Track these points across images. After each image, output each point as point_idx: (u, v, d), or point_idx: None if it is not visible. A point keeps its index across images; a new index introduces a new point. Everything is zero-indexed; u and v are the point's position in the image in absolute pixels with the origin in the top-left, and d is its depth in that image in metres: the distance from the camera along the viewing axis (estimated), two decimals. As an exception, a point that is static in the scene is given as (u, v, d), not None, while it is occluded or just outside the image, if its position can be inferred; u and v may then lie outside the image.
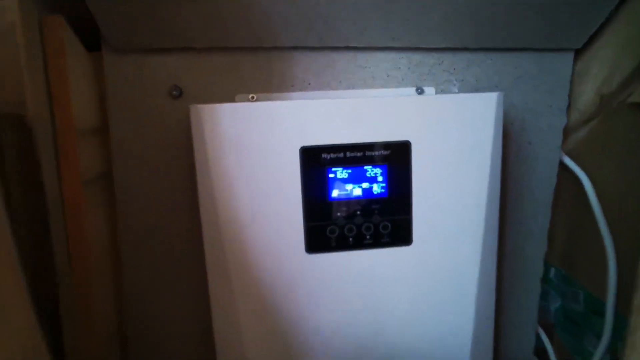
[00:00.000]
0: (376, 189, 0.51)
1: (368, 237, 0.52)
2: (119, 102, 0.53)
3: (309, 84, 0.61)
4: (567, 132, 0.68)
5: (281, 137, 0.48)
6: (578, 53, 0.65)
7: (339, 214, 0.51)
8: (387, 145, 0.50)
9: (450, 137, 0.51)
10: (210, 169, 0.48)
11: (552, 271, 0.67)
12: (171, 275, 0.62)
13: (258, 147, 0.49)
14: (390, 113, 0.49)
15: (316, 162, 0.50)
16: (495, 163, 0.53)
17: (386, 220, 0.52)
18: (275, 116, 0.47)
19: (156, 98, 0.54)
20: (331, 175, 0.50)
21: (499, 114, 0.51)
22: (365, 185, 0.51)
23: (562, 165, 0.68)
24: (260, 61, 0.56)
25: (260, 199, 0.49)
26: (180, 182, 0.59)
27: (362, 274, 0.52)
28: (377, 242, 0.52)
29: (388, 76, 0.62)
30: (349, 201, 0.51)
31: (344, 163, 0.50)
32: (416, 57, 0.62)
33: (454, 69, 0.63)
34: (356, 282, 0.51)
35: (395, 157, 0.51)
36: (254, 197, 0.49)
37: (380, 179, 0.51)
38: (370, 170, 0.51)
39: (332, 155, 0.50)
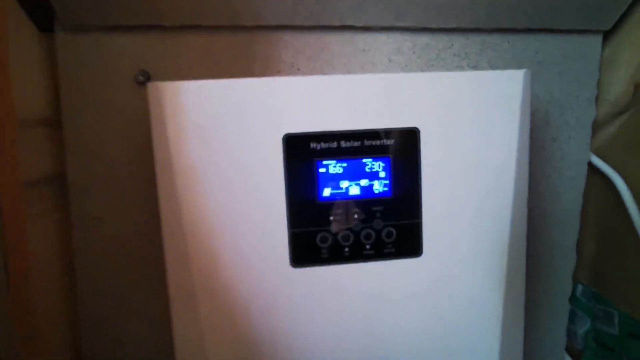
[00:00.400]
0: (378, 187, 0.42)
1: (368, 246, 0.42)
2: (74, 89, 0.48)
3: (298, 69, 0.52)
4: (595, 126, 0.59)
5: (260, 122, 0.39)
6: (607, 36, 0.57)
7: (331, 218, 0.41)
8: (390, 133, 0.41)
9: (467, 123, 0.42)
10: (172, 163, 0.39)
11: (580, 289, 0.62)
12: (134, 295, 0.52)
13: (231, 135, 0.39)
14: (394, 94, 0.40)
15: (303, 153, 0.40)
16: (523, 156, 0.43)
17: (390, 226, 0.42)
18: (253, 96, 0.38)
19: (119, 85, 0.48)
20: (322, 170, 0.41)
21: (527, 95, 0.42)
22: (364, 182, 0.41)
23: (590, 166, 0.59)
24: (241, 43, 0.48)
25: (234, 200, 0.40)
26: (146, 184, 0.50)
27: (361, 292, 0.42)
28: (379, 253, 0.42)
29: (390, 61, 0.54)
30: (344, 202, 0.41)
31: (337, 155, 0.41)
32: (422, 39, 0.54)
33: (466, 53, 0.55)
34: (353, 302, 0.42)
35: (401, 148, 0.41)
36: (226, 197, 0.40)
37: (382, 174, 0.42)
38: (370, 164, 0.41)
39: (323, 145, 0.40)
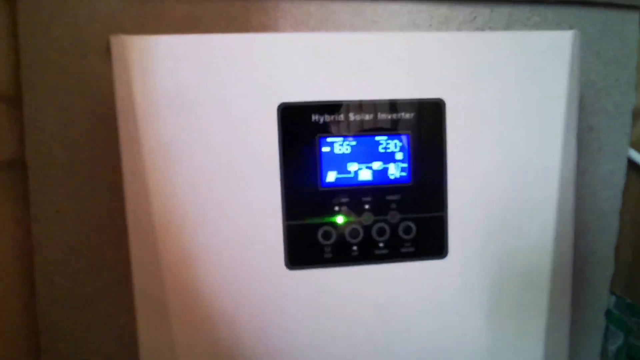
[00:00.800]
0: (394, 171, 0.34)
1: (381, 244, 0.34)
2: (36, 60, 0.41)
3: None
4: (634, 115, 0.51)
5: (249, 89, 0.32)
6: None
7: (336, 208, 0.33)
8: (410, 104, 0.33)
9: (502, 95, 0.34)
10: (139, 139, 0.31)
11: (613, 300, 0.55)
12: (102, 301, 0.44)
13: (213, 105, 0.32)
14: (415, 57, 0.33)
15: (303, 128, 0.32)
16: (569, 137, 0.35)
17: (409, 220, 0.34)
18: (240, 56, 0.31)
19: (89, 56, 0.41)
20: (325, 150, 0.33)
21: (575, 62, 0.35)
22: (376, 165, 0.34)
23: (629, 161, 0.52)
24: (233, 11, 0.42)
25: (216, 185, 0.32)
26: (119, 173, 0.42)
27: (371, 301, 0.35)
28: (395, 252, 0.34)
29: (404, 34, 0.46)
30: (352, 189, 0.33)
31: (345, 130, 0.33)
32: (441, 10, 0.47)
33: (490, 27, 0.47)
34: (362, 313, 0.35)
35: (423, 124, 0.34)
36: (205, 182, 0.32)
37: (399, 156, 0.34)
38: (385, 143, 0.34)
39: (328, 118, 0.33)
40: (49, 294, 0.44)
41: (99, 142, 0.44)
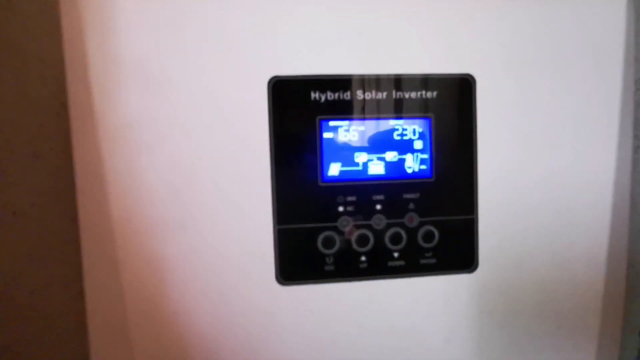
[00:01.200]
0: (412, 163, 0.27)
1: (396, 254, 0.27)
2: None
3: None
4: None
5: (234, 59, 0.25)
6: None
7: (341, 209, 0.26)
8: (433, 81, 0.27)
9: (544, 70, 0.27)
10: (95, 118, 0.24)
11: None
12: (63, 323, 0.37)
13: (189, 77, 0.26)
14: (439, 23, 0.26)
15: (300, 108, 0.26)
16: (626, 124, 0.28)
17: (430, 224, 0.27)
18: (223, 17, 0.24)
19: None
20: (327, 136, 0.26)
21: (631, 30, 0.28)
22: (391, 155, 0.27)
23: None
24: None
25: (192, 180, 0.25)
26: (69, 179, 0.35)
27: (384, 325, 0.27)
28: (413, 264, 0.27)
29: None
30: (360, 186, 0.27)
31: (352, 112, 0.26)
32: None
33: None
34: (371, 340, 0.28)
35: (448, 105, 0.27)
36: (179, 176, 0.25)
37: (418, 144, 0.27)
38: (402, 129, 0.27)
39: (331, 97, 0.26)
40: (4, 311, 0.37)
41: (61, 131, 0.37)
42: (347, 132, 0.28)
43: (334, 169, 0.28)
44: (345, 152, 0.28)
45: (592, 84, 0.29)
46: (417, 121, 0.28)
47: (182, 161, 0.26)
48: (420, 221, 0.29)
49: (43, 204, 0.38)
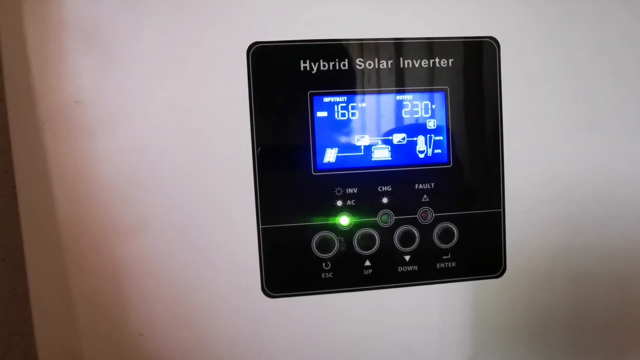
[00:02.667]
0: (424, 147, 0.22)
1: (407, 258, 0.22)
2: None
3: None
4: None
5: (208, 23, 0.20)
6: None
7: (339, 204, 0.21)
8: (448, 46, 0.22)
9: (580, 30, 0.22)
10: (35, 95, 0.19)
11: None
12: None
13: (154, 45, 0.21)
14: None
15: (286, 80, 0.21)
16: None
17: (448, 221, 0.22)
18: None
19: None
20: (321, 114, 0.21)
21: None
22: (399, 137, 0.22)
23: None
24: None
25: (158, 170, 0.20)
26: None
27: (395, 342, 0.22)
28: (428, 270, 0.22)
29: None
30: (361, 175, 0.21)
31: (349, 85, 0.21)
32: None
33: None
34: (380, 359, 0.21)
35: (467, 75, 0.22)
36: (141, 166, 0.20)
37: (432, 124, 0.22)
38: (411, 104, 0.22)
39: (324, 66, 0.21)
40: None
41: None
42: (345, 109, 0.23)
43: (330, 155, 0.23)
44: (343, 135, 0.23)
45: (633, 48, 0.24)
46: (430, 95, 0.23)
47: (141, 147, 0.21)
48: (436, 217, 0.24)
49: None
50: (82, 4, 0.21)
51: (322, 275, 0.23)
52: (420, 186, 0.24)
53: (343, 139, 0.23)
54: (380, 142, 0.23)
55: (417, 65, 0.23)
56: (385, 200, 0.23)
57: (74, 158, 0.21)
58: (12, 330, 0.33)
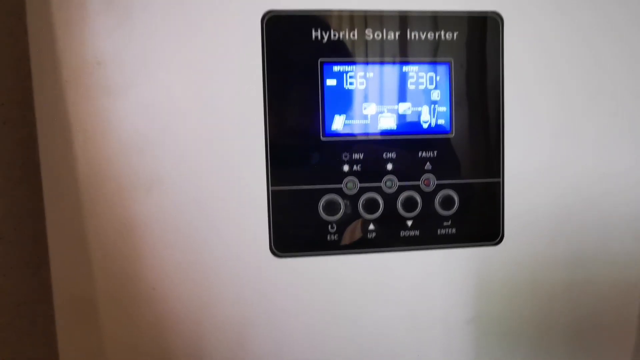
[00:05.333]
0: (428, 117, 0.23)
1: (409, 223, 0.23)
2: None
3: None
4: None
5: None
6: None
7: (345, 169, 0.22)
8: (453, 20, 0.23)
9: (585, 5, 0.23)
10: (59, 57, 0.20)
11: None
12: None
13: (170, 10, 0.21)
14: None
15: (298, 49, 0.22)
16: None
17: (449, 188, 0.23)
18: None
19: None
20: (330, 83, 0.22)
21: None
22: (404, 107, 0.23)
23: None
24: None
25: (173, 133, 0.21)
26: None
27: (397, 304, 0.23)
28: (430, 235, 0.23)
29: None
30: (368, 142, 0.23)
31: (359, 55, 0.22)
32: None
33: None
34: (380, 323, 0.23)
35: (471, 48, 0.23)
36: (158, 129, 0.21)
37: (436, 95, 0.23)
38: (417, 75, 0.23)
39: (334, 36, 0.22)
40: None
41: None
42: (354, 78, 0.24)
43: (338, 122, 0.24)
44: (351, 103, 0.24)
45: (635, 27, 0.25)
46: (435, 67, 0.24)
47: (157, 107, 0.22)
48: (438, 184, 0.25)
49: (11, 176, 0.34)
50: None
51: (328, 237, 0.24)
52: (424, 154, 0.25)
53: (351, 107, 0.24)
54: (386, 111, 0.24)
55: (422, 37, 0.24)
56: (389, 166, 0.24)
57: (94, 116, 0.22)
58: (19, 299, 0.34)
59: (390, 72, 0.24)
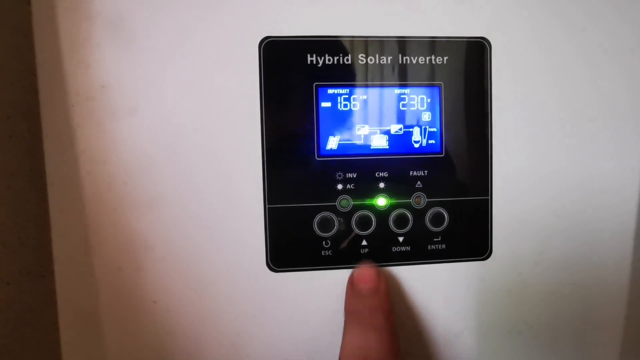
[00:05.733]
0: (419, 137, 0.24)
1: (401, 239, 0.24)
2: None
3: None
4: None
5: (222, 16, 0.22)
6: None
7: (339, 187, 0.23)
8: (442, 45, 0.24)
9: (570, 31, 0.24)
10: (66, 79, 0.21)
11: None
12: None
13: (172, 37, 0.22)
14: None
15: (294, 73, 0.23)
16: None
17: (439, 206, 0.24)
18: None
19: None
20: (325, 105, 0.23)
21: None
22: (396, 128, 0.24)
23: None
24: None
25: (174, 152, 0.22)
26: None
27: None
28: (420, 251, 0.24)
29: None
30: (361, 161, 0.24)
31: (352, 79, 0.23)
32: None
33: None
34: None
35: (459, 72, 0.24)
36: (159, 148, 0.22)
37: (426, 116, 0.24)
38: (409, 98, 0.24)
39: (329, 61, 0.23)
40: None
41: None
42: (347, 101, 0.25)
43: (332, 142, 0.25)
44: (345, 124, 0.25)
45: (631, 48, 0.26)
46: (426, 89, 0.25)
47: (161, 129, 0.23)
48: (428, 202, 0.26)
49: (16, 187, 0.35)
50: (109, -2, 0.23)
51: (322, 252, 0.25)
52: (415, 173, 0.26)
53: (345, 128, 0.25)
54: (379, 131, 0.25)
55: (414, 62, 0.25)
56: (381, 185, 0.25)
57: (98, 137, 0.23)
58: (23, 307, 0.35)
59: (383, 94, 0.25)
